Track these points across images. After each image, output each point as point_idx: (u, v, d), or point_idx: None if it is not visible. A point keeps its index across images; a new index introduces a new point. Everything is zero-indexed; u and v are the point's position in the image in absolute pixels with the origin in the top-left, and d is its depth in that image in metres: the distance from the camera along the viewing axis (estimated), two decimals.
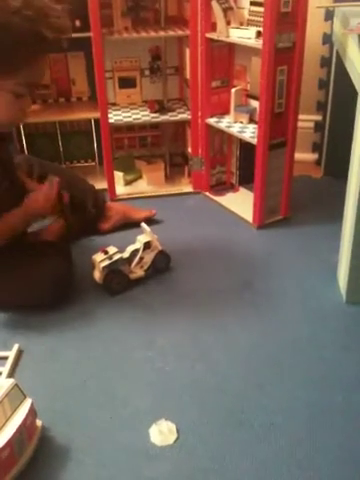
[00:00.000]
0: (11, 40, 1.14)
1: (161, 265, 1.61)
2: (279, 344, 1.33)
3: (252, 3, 1.74)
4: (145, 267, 1.57)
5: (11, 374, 1.24)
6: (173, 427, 1.10)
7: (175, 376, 1.24)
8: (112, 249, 1.53)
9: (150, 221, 1.89)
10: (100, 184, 2.10)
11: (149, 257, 1.57)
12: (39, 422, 1.09)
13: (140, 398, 1.18)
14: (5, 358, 1.28)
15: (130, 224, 1.83)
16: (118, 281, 1.51)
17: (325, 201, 2.01)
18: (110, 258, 1.50)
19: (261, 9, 1.60)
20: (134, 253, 1.54)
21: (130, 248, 1.55)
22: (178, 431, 1.09)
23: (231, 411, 1.14)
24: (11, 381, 1.04)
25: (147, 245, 1.56)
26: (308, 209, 1.97)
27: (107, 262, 1.49)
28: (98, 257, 1.51)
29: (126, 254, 1.54)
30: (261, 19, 1.60)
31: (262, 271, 1.63)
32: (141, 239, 1.57)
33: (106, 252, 1.51)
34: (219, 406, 1.15)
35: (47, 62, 1.28)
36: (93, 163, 2.39)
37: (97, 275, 1.52)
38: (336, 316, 1.42)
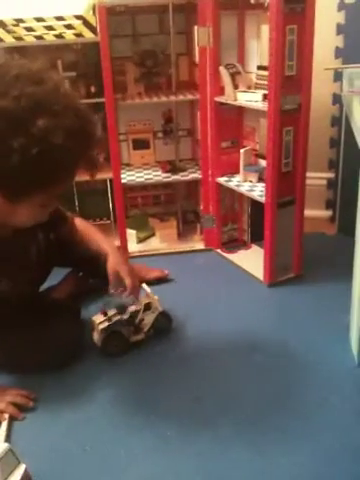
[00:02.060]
0: (50, 168, 1.07)
1: (162, 326, 1.57)
2: (287, 410, 1.27)
3: (259, 67, 1.80)
4: (145, 329, 1.54)
5: (8, 435, 1.21)
6: None
7: (177, 444, 1.19)
8: (111, 310, 1.51)
9: (162, 279, 1.89)
10: (114, 242, 2.12)
11: (149, 318, 1.54)
12: None
13: (140, 466, 1.14)
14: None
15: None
16: (117, 343, 1.48)
17: (338, 259, 1.97)
18: (109, 320, 1.47)
19: (267, 73, 1.65)
20: (134, 314, 1.52)
21: (130, 309, 1.53)
22: None
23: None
24: (5, 445, 1.02)
25: (147, 306, 1.53)
26: (321, 267, 1.94)
27: (106, 324, 1.47)
28: (97, 319, 1.49)
29: (126, 315, 1.51)
30: (267, 82, 1.64)
31: (272, 332, 1.60)
32: (141, 300, 1.54)
33: (105, 313, 1.49)
34: (223, 477, 1.10)
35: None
36: (108, 221, 2.43)
37: (96, 337, 1.49)
38: (348, 380, 1.37)
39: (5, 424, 1.24)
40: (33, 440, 1.20)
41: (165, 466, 1.13)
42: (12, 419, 1.26)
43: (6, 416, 1.26)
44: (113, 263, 1.48)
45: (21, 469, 1.02)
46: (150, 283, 1.77)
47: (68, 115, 1.04)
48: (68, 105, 1.06)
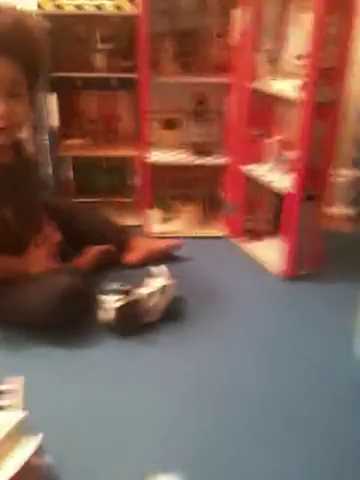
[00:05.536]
0: None
1: (175, 311, 1.57)
2: (291, 405, 1.26)
3: (297, 56, 1.75)
4: (159, 311, 1.54)
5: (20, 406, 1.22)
6: None
7: (185, 426, 1.20)
8: (127, 289, 1.51)
9: (178, 262, 1.89)
10: (137, 220, 2.13)
11: (163, 302, 1.54)
12: (45, 459, 1.04)
13: (147, 446, 1.14)
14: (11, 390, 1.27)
15: (157, 260, 1.80)
16: (129, 324, 1.48)
17: (356, 259, 1.94)
18: (125, 299, 1.47)
19: (305, 63, 1.61)
20: (149, 296, 1.52)
21: (146, 290, 1.53)
22: None
23: (240, 473, 1.08)
24: (21, 414, 1.02)
25: (163, 289, 1.53)
26: (338, 265, 1.90)
27: (121, 302, 1.46)
28: (112, 297, 1.48)
29: (141, 295, 1.51)
30: (304, 72, 1.60)
31: (282, 326, 1.58)
32: (158, 282, 1.54)
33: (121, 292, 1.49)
34: (228, 467, 1.09)
35: None
36: (132, 199, 2.42)
37: (108, 315, 1.48)
38: (349, 386, 1.34)
39: (21, 392, 1.25)
40: (42, 411, 1.20)
41: (171, 450, 1.13)
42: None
43: (21, 384, 1.28)
44: None
45: (35, 438, 1.01)
46: (162, 260, 1.78)
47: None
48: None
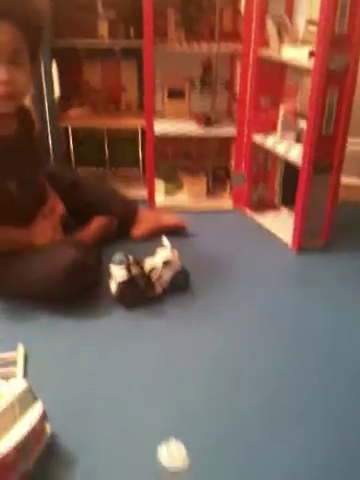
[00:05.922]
0: None
1: (180, 283, 1.56)
2: (302, 386, 1.25)
3: (308, 22, 1.70)
4: (163, 285, 1.53)
5: (24, 375, 1.24)
6: (183, 450, 1.06)
7: (191, 399, 1.20)
8: (131, 262, 1.49)
9: (186, 234, 1.87)
10: (141, 192, 2.11)
11: (168, 274, 1.53)
12: (48, 427, 1.07)
13: (153, 416, 1.15)
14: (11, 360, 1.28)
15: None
16: (133, 296, 1.48)
17: None
18: (128, 271, 1.46)
19: (316, 29, 1.56)
20: (153, 269, 1.51)
21: (149, 263, 1.52)
22: (187, 457, 1.05)
23: (246, 446, 1.09)
24: (23, 383, 1.03)
25: (167, 262, 1.52)
26: (350, 236, 1.89)
27: (125, 275, 1.46)
28: (116, 269, 1.47)
29: (145, 269, 1.50)
30: (315, 39, 1.55)
31: (292, 300, 1.56)
32: (161, 255, 1.53)
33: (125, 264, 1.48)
34: (234, 437, 1.10)
35: None
36: (137, 170, 2.40)
37: (113, 287, 1.49)
38: None
39: (21, 361, 1.27)
40: (47, 380, 1.22)
41: (177, 420, 1.14)
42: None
43: (21, 353, 1.29)
44: None
45: (38, 406, 1.03)
46: (169, 233, 1.74)
47: None
48: None
